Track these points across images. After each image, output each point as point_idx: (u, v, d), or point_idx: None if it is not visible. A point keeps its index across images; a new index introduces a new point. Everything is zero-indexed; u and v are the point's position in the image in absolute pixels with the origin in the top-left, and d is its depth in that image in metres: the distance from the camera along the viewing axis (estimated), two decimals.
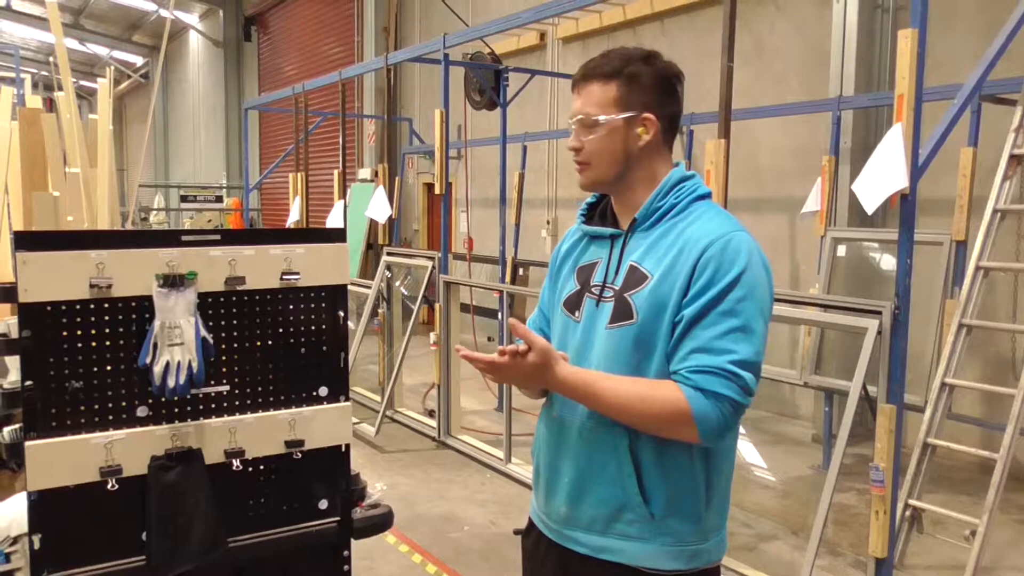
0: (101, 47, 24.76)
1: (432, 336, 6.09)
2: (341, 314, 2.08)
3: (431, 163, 11.26)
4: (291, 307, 2.01)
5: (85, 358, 1.78)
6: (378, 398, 6.95)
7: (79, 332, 1.77)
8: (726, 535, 1.74)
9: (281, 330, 2.00)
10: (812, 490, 5.37)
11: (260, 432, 1.97)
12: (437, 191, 5.90)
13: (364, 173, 12.03)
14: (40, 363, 1.73)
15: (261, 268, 1.95)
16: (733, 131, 3.79)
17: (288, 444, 1.99)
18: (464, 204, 10.02)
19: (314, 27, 15.39)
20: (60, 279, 1.73)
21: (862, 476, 5.05)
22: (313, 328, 2.04)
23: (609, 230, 1.72)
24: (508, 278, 7.56)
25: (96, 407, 1.80)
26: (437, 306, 6.02)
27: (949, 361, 4.12)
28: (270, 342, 1.99)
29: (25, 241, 1.70)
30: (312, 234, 2.04)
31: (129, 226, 11.19)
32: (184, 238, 1.87)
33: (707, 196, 1.71)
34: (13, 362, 1.77)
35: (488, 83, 7.10)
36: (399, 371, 6.49)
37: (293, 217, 8.06)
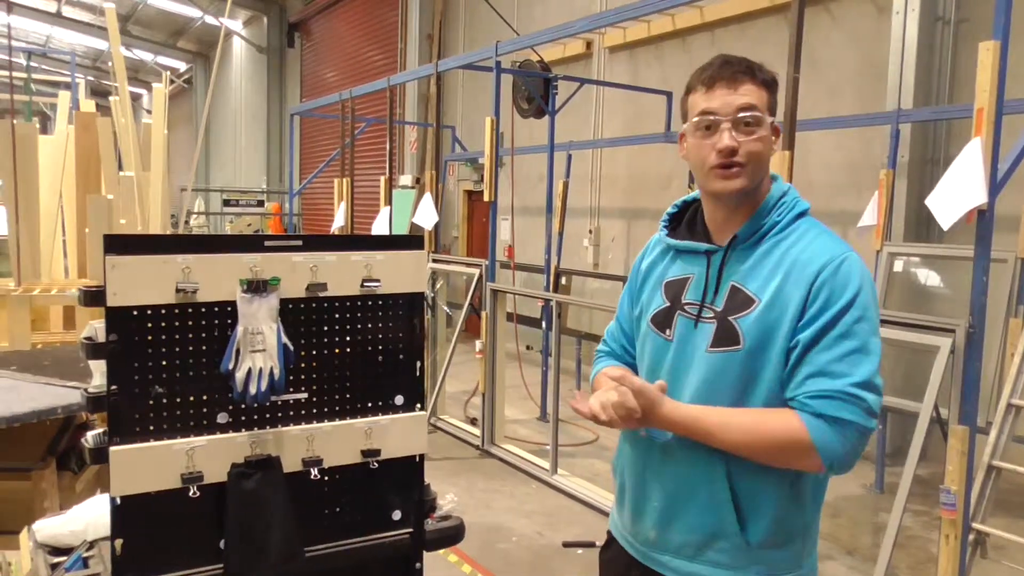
0: (146, 52, 25.19)
1: (478, 344, 6.06)
2: (417, 322, 2.06)
3: (472, 170, 11.28)
4: (370, 314, 1.99)
5: (169, 363, 1.77)
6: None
7: (164, 337, 1.76)
8: (816, 561, 1.69)
9: (360, 338, 1.98)
10: (865, 510, 5.26)
11: (337, 441, 1.94)
12: (486, 198, 5.88)
13: (405, 180, 12.07)
14: (125, 368, 1.73)
15: (342, 274, 1.93)
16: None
17: (364, 453, 1.97)
18: (503, 212, 10.01)
19: (357, 34, 15.49)
20: (148, 283, 1.72)
21: (916, 497, 4.93)
22: (391, 336, 2.02)
23: (704, 245, 1.67)
24: (551, 287, 7.52)
25: (178, 413, 1.78)
26: (484, 314, 5.99)
27: (1016, 381, 4.00)
28: (349, 349, 1.97)
29: (115, 244, 1.69)
30: (392, 241, 2.02)
31: (181, 230, 11.32)
32: (267, 243, 1.85)
33: (806, 212, 1.66)
34: (98, 366, 1.75)
35: (537, 91, 7.07)
36: (444, 379, 6.46)
37: (338, 223, 8.10)
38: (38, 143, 6.01)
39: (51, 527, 2.03)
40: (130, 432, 1.74)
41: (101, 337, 1.72)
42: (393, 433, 2.01)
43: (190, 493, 1.77)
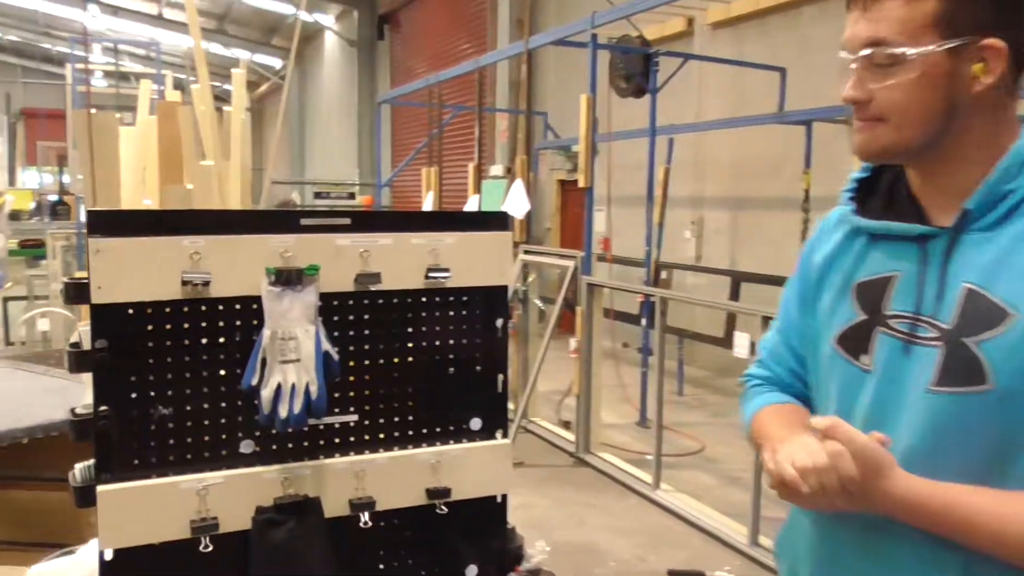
0: (243, 51, 25.62)
1: (572, 342, 5.58)
2: (500, 324, 1.59)
3: (564, 159, 10.78)
4: (438, 314, 1.53)
5: (176, 377, 1.36)
6: (511, 405, 6.50)
7: (169, 343, 1.35)
8: None
9: (424, 344, 1.53)
10: None
11: (395, 477, 1.50)
12: (582, 183, 5.39)
13: (496, 170, 11.66)
14: (118, 383, 1.32)
15: (401, 262, 1.48)
16: None
17: (430, 493, 1.52)
18: (599, 202, 9.48)
19: (446, 23, 15.21)
20: (145, 273, 1.31)
21: None
22: (465, 342, 1.56)
23: (917, 228, 1.12)
24: (652, 281, 6.97)
25: (188, 441, 1.37)
26: (579, 310, 5.51)
27: None
28: (410, 359, 1.52)
29: (100, 222, 1.29)
30: (466, 219, 1.56)
31: None
32: (304, 221, 1.42)
33: None
34: (89, 381, 1.36)
35: (636, 68, 6.53)
36: (536, 379, 6.01)
37: None
38: (119, 133, 5.88)
39: (50, 572, 1.66)
40: (125, 466, 1.33)
41: (87, 343, 1.32)
42: (467, 467, 1.55)
43: (202, 546, 1.36)
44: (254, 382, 1.35)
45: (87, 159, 5.66)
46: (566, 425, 6.11)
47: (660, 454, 4.90)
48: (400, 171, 11.87)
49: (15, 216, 10.22)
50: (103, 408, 1.31)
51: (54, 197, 11.14)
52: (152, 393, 1.34)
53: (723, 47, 8.47)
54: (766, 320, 3.82)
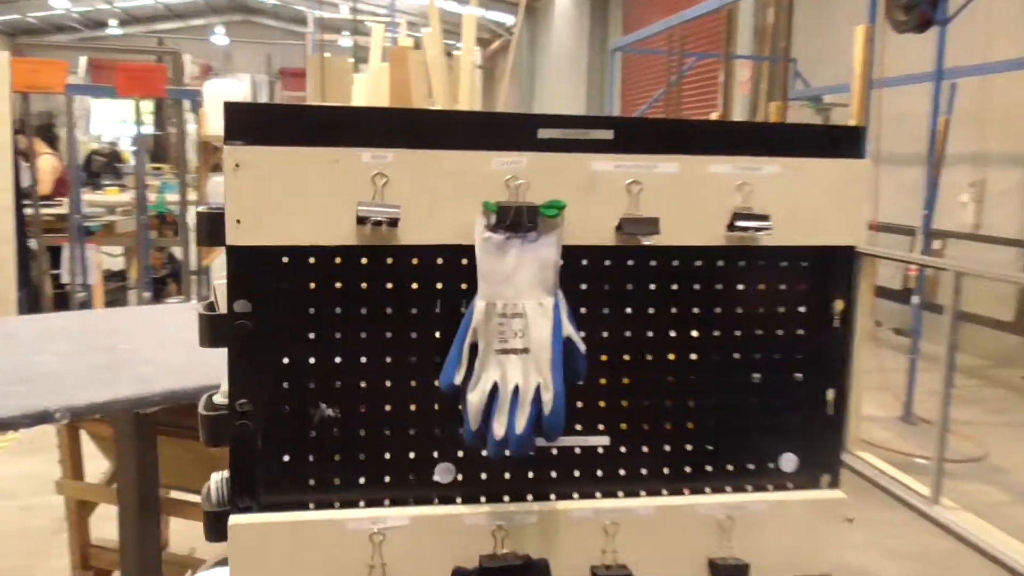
0: (477, 8, 25.84)
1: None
2: (839, 309, 1.00)
3: (813, 111, 9.65)
4: (741, 287, 0.97)
5: (347, 362, 0.90)
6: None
7: (337, 312, 0.89)
8: None
9: (717, 333, 0.97)
10: None
11: (662, 536, 0.97)
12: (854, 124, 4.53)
13: None
14: (264, 366, 0.89)
15: (690, 202, 0.93)
16: None
17: (717, 569, 0.97)
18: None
19: None
20: (305, 202, 0.86)
21: None
22: (780, 334, 0.99)
23: None
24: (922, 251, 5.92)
25: (360, 458, 0.92)
26: None
27: None
28: (693, 356, 0.97)
29: (240, 121, 0.84)
30: (796, 136, 0.98)
31: None
32: (544, 132, 0.90)
33: None
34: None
35: None
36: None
37: None
38: (351, 77, 5.79)
39: None
40: (271, 487, 0.90)
41: (223, 306, 0.89)
42: (775, 529, 0.99)
43: None
44: (457, 380, 0.87)
45: (318, 101, 5.54)
46: None
47: (942, 460, 4.03)
48: None
49: None
50: (242, 402, 0.88)
51: None
52: (312, 384, 0.90)
53: None
54: None
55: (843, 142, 0.97)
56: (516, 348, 0.87)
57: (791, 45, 10.43)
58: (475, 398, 0.86)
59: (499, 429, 0.86)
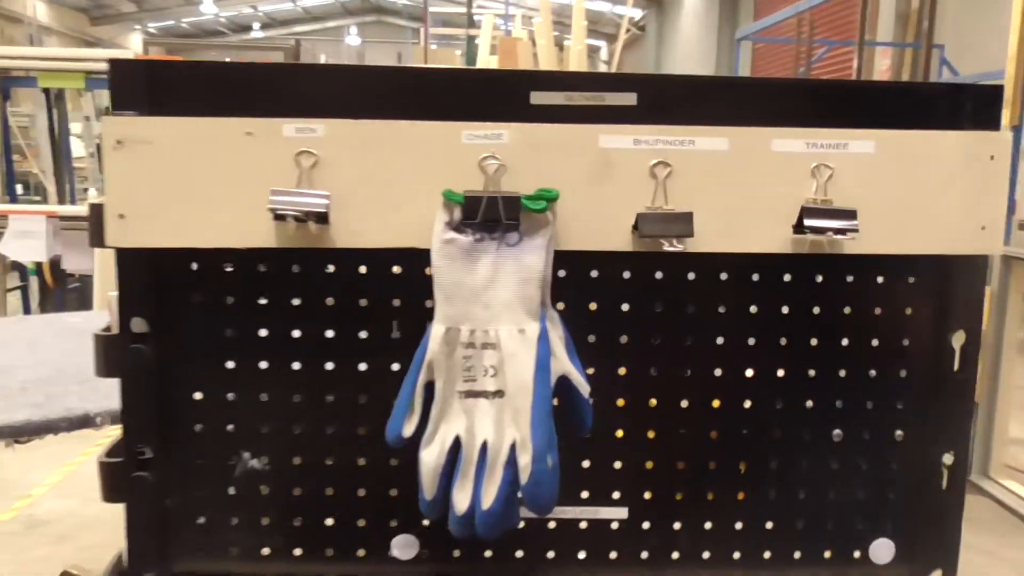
0: (605, 3, 25.46)
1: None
2: (963, 343, 0.71)
3: None
4: (817, 310, 0.70)
5: (277, 400, 0.69)
6: None
7: (263, 334, 0.68)
8: None
9: (781, 374, 0.70)
10: None
11: None
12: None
13: None
14: (169, 403, 0.69)
15: (742, 192, 0.67)
16: None
17: None
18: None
19: None
20: (210, 191, 0.65)
21: None
22: (872, 375, 0.71)
23: None
24: None
25: (295, 524, 0.70)
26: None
27: None
28: (747, 405, 0.71)
29: (129, 83, 0.64)
30: (892, 96, 0.70)
31: None
32: (536, 97, 0.66)
33: None
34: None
35: None
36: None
37: None
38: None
39: None
40: (182, 559, 0.70)
41: (116, 324, 0.70)
42: None
43: None
44: (407, 432, 0.64)
45: None
46: None
47: None
48: None
49: None
50: (139, 448, 0.69)
51: None
52: (232, 427, 0.69)
53: None
54: None
55: (970, 108, 0.68)
56: (487, 391, 0.63)
57: (936, 29, 9.62)
58: (430, 457, 0.63)
59: (461, 501, 0.63)
